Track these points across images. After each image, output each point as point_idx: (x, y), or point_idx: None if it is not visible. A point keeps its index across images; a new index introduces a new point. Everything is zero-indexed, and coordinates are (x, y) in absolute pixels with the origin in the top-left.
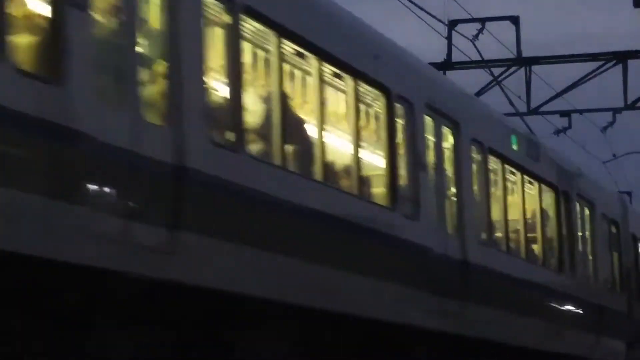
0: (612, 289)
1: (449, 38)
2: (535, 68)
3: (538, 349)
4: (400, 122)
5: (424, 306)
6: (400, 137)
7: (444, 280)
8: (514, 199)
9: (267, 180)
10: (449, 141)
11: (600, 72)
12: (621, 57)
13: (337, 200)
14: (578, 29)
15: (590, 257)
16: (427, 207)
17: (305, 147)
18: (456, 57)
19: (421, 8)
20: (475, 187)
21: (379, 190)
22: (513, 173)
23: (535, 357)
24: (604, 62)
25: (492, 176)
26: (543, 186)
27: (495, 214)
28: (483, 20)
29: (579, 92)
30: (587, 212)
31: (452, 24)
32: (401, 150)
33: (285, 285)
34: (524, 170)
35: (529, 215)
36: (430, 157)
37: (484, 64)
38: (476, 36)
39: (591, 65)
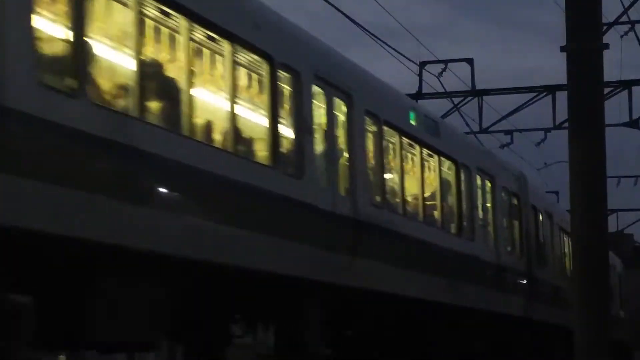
0: (512, 252)
1: (420, 75)
2: (486, 98)
3: (438, 300)
4: (286, 89)
5: (312, 260)
6: (284, 102)
7: (333, 236)
8: (412, 169)
9: (111, 128)
10: (341, 111)
11: (535, 101)
12: (551, 89)
13: (207, 155)
14: (519, 67)
15: (491, 224)
16: (313, 168)
17: (172, 104)
18: (425, 89)
19: (398, 52)
20: (369, 155)
21: (260, 150)
22: (411, 145)
23: (444, 310)
24: (538, 93)
25: (388, 147)
26: (443, 160)
27: (391, 180)
28: (446, 62)
29: (519, 115)
30: (487, 184)
31: (422, 64)
32: (285, 115)
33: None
34: (423, 144)
35: (427, 184)
36: (319, 124)
37: (446, 94)
38: (441, 73)
39: (528, 95)
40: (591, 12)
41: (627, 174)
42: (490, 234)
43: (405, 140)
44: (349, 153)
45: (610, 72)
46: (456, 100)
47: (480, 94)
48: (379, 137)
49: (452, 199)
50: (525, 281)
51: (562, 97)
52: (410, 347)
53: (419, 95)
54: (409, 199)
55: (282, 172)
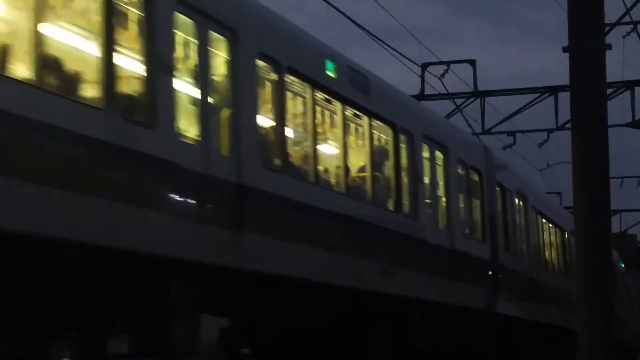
0: (471, 236)
1: (422, 76)
2: (488, 99)
3: (368, 289)
4: (132, 13)
5: (177, 234)
6: (128, 30)
7: (210, 204)
8: (329, 130)
9: None
10: (223, 50)
11: (537, 102)
12: (554, 90)
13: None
14: (521, 68)
15: (443, 202)
16: (169, 114)
17: None
18: (428, 91)
19: (400, 53)
20: (264, 109)
21: (87, 89)
22: (328, 101)
23: (381, 301)
24: (540, 94)
25: (293, 100)
26: (376, 123)
27: (298, 141)
28: (448, 63)
29: (522, 116)
30: (438, 155)
31: (425, 66)
32: (130, 45)
33: None
34: (345, 101)
35: (352, 150)
36: (184, 60)
37: (449, 96)
38: (443, 75)
39: (531, 96)
40: (593, 12)
41: (631, 174)
42: (441, 213)
43: (319, 94)
44: (233, 103)
45: (613, 72)
46: (458, 101)
47: (482, 95)
48: (279, 87)
49: (388, 170)
50: (489, 270)
51: (564, 97)
52: (336, 343)
53: (421, 96)
54: (325, 165)
55: (120, 117)
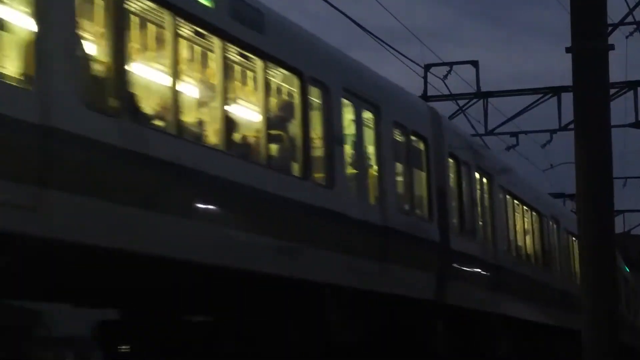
0: (412, 213)
1: (425, 77)
2: (491, 99)
3: (262, 270)
4: None
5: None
6: None
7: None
8: (201, 72)
9: None
10: None
11: (540, 102)
12: (557, 91)
13: None
14: (523, 69)
15: (371, 170)
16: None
17: None
18: (430, 92)
19: (404, 55)
20: (96, 41)
21: None
22: (201, 36)
23: (286, 285)
24: (543, 94)
25: (142, 31)
26: (275, 69)
27: (149, 81)
28: (451, 64)
29: (525, 117)
30: (366, 115)
31: (427, 67)
32: None
33: None
34: (228, 38)
35: (238, 98)
36: None
37: (451, 97)
38: (445, 76)
39: (534, 97)
40: (596, 12)
41: (634, 174)
42: (368, 183)
43: (187, 27)
44: (39, 28)
45: (616, 72)
46: (461, 102)
47: (485, 96)
48: (117, 13)
49: (294, 129)
50: (437, 254)
51: (567, 98)
52: (230, 336)
53: (423, 98)
54: (193, 114)
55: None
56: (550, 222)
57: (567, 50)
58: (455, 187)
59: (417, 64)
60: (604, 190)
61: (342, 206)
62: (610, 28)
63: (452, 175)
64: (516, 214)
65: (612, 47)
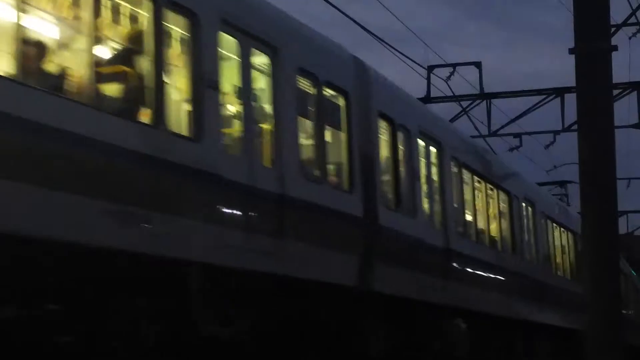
0: (324, 182)
1: (428, 79)
2: (494, 101)
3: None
4: None
5: None
6: None
7: None
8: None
9: None
10: None
11: (544, 103)
12: (560, 92)
13: None
14: (527, 70)
15: (266, 127)
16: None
17: None
18: (434, 93)
19: (407, 56)
20: None
21: None
22: None
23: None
24: (546, 95)
25: None
26: None
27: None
28: (454, 65)
29: (528, 118)
30: (258, 57)
31: (431, 68)
32: None
33: None
34: None
35: (110, 39)
36: None
37: (455, 98)
38: (449, 77)
39: (537, 98)
40: (600, 13)
41: (637, 175)
42: (259, 142)
43: None
44: None
45: (619, 73)
46: (465, 103)
47: (488, 97)
48: None
49: (145, 64)
50: (358, 232)
51: (570, 99)
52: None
53: (427, 99)
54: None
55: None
56: (523, 204)
57: (570, 51)
58: (389, 154)
59: (420, 66)
60: (608, 191)
61: (213, 164)
62: (613, 29)
63: (384, 140)
64: (477, 192)
65: (615, 48)
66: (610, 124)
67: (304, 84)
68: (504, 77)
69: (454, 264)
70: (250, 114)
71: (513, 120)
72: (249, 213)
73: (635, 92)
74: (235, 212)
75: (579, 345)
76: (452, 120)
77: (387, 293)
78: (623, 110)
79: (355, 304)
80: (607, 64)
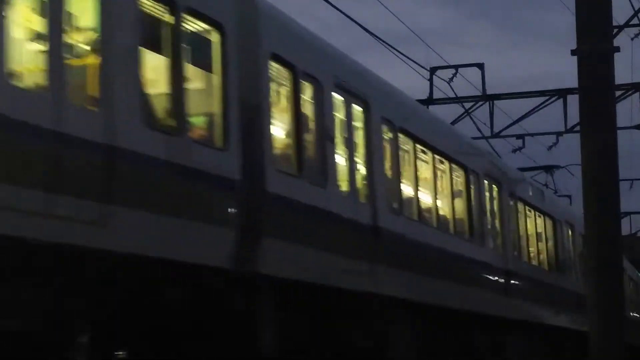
0: (181, 133)
1: (430, 80)
2: (497, 102)
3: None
4: None
5: None
6: None
7: None
8: None
9: None
10: None
11: (546, 105)
12: (562, 93)
13: None
14: (529, 71)
15: (89, 62)
16: None
17: None
18: (436, 94)
19: (409, 58)
20: None
21: None
22: None
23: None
24: (549, 97)
25: None
26: None
27: None
28: (456, 67)
29: (530, 119)
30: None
31: (433, 70)
32: None
33: None
34: None
35: None
36: None
37: (457, 100)
38: (451, 79)
39: (540, 99)
40: (602, 14)
41: None
42: (76, 80)
43: None
44: None
45: (622, 74)
46: (467, 105)
47: (491, 98)
48: None
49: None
50: (235, 199)
51: (573, 100)
52: None
53: (429, 101)
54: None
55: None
56: (486, 182)
57: (573, 52)
58: (289, 108)
59: (423, 67)
60: (610, 192)
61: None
62: (615, 30)
63: (282, 91)
64: (419, 161)
65: (617, 49)
66: (613, 125)
67: (155, 11)
68: (507, 78)
69: (385, 245)
70: (54, 47)
71: (516, 122)
72: (67, 166)
73: (638, 94)
74: (31, 160)
75: (557, 344)
76: (455, 121)
77: (279, 277)
78: (625, 111)
79: (229, 290)
80: (609, 65)
